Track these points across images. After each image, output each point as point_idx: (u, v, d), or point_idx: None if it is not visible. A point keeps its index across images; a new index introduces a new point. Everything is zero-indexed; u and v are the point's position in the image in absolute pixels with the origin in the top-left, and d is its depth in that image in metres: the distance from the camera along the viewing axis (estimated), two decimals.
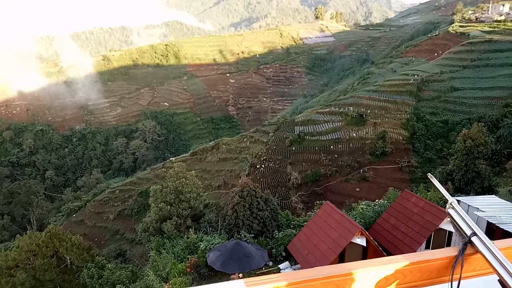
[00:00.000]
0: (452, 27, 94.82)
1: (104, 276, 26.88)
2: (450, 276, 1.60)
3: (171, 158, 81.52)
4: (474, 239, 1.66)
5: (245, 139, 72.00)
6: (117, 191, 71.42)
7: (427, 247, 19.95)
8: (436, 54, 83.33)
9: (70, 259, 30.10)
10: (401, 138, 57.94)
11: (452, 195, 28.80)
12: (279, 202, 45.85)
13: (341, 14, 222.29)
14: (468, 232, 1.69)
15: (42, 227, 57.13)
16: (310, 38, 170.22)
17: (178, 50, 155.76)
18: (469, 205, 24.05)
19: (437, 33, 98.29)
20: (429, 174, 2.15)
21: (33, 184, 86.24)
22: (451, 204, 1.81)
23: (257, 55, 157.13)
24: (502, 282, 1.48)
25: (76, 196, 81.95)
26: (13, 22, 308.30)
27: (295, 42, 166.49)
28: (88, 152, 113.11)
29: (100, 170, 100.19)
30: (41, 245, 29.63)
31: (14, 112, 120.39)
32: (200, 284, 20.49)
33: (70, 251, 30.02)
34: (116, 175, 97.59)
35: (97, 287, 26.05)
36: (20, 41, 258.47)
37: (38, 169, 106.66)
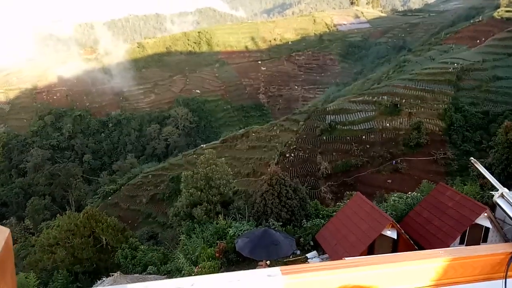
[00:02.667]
0: (498, 12, 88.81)
1: (137, 257, 27.93)
2: (505, 273, 1.55)
3: (202, 145, 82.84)
4: None
5: (275, 128, 71.77)
6: (150, 175, 73.62)
7: (461, 243, 19.23)
8: (478, 41, 78.62)
9: (105, 240, 31.53)
10: (437, 129, 55.59)
11: (490, 189, 27.44)
12: (308, 192, 45.53)
13: None
14: None
15: (80, 208, 60.16)
16: (344, 24, 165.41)
17: (211, 37, 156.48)
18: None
19: (480, 18, 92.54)
20: (472, 158, 2.03)
21: (72, 167, 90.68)
22: (501, 194, 1.70)
23: (290, 42, 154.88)
24: None
25: (111, 179, 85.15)
26: (54, 9, 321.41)
27: (328, 29, 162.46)
28: (123, 137, 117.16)
29: (134, 155, 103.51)
30: (79, 225, 31.25)
31: (54, 97, 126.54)
32: (229, 269, 20.93)
33: (106, 232, 31.48)
34: (149, 160, 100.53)
35: (130, 267, 27.13)
36: (60, 28, 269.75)
37: (77, 153, 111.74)
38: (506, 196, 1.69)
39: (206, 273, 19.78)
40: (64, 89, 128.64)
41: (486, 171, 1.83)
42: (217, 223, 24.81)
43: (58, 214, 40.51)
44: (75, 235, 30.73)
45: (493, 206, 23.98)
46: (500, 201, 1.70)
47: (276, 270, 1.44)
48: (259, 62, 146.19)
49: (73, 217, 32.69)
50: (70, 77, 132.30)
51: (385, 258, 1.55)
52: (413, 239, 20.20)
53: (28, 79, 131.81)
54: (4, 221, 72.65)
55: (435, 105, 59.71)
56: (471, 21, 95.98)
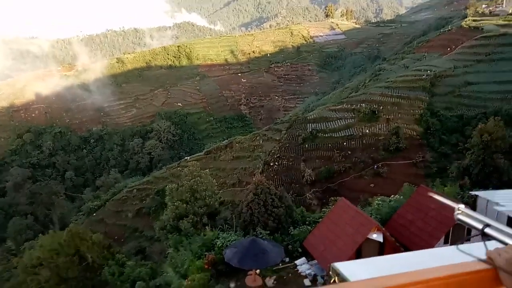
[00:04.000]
0: (465, 21, 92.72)
1: (124, 273, 27.59)
2: None
3: (186, 158, 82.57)
4: (488, 230, 1.63)
5: (258, 138, 72.42)
6: (135, 190, 72.75)
7: (445, 243, 19.93)
8: (449, 49, 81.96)
9: (91, 257, 31.00)
10: (415, 133, 57.42)
11: (470, 190, 28.60)
12: (293, 199, 46.09)
13: (351, 11, 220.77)
14: (480, 226, 1.66)
15: (64, 226, 58.59)
16: (320, 36, 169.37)
17: (190, 51, 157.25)
18: (488, 200, 23.90)
19: (449, 28, 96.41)
20: (429, 193, 2.17)
21: (53, 184, 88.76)
22: (458, 209, 1.79)
23: (268, 54, 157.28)
24: None
25: (95, 195, 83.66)
26: (31, 26, 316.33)
27: (305, 41, 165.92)
28: (105, 152, 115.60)
29: (117, 170, 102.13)
30: (63, 244, 30.54)
31: (33, 115, 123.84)
32: (219, 281, 21.05)
33: (91, 249, 30.92)
34: (133, 175, 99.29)
35: (118, 284, 26.74)
36: (37, 44, 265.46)
37: (58, 170, 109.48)
38: (462, 209, 1.79)
39: (196, 286, 19.81)
40: (43, 106, 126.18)
41: (442, 197, 1.97)
42: (204, 235, 24.83)
43: (40, 234, 39.48)
44: (59, 254, 30.03)
45: (474, 206, 25.08)
46: (461, 217, 1.78)
47: None
48: (239, 74, 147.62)
49: (56, 236, 32.00)
50: (49, 94, 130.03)
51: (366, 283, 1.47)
52: (399, 241, 20.78)
53: (4, 97, 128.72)
54: None
55: (411, 111, 61.72)
56: (441, 30, 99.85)
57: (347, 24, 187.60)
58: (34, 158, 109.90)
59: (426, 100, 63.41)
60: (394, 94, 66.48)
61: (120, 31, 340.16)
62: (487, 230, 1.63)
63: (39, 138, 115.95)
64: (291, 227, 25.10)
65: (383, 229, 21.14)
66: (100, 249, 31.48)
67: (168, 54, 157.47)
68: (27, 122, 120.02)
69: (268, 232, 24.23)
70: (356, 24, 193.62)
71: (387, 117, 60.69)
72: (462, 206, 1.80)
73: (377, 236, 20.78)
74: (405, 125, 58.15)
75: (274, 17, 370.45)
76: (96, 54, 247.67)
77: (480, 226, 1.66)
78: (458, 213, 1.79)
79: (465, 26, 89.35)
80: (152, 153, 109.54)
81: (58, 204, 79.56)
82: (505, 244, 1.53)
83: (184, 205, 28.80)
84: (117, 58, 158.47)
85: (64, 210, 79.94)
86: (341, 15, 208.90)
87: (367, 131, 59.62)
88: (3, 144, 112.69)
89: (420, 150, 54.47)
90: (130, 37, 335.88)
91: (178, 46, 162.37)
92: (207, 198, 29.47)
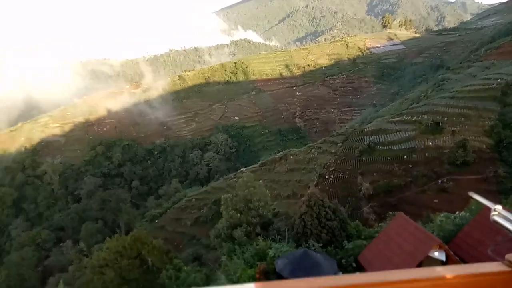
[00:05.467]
0: None
1: (180, 278, 28.72)
2: None
3: (242, 169, 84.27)
4: None
5: (312, 150, 71.74)
6: (194, 199, 75.67)
7: None
8: None
9: (151, 261, 32.80)
10: (484, 146, 52.78)
11: None
12: (349, 213, 44.73)
13: (410, 21, 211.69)
14: None
15: (130, 231, 62.76)
16: (377, 47, 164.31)
17: (246, 67, 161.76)
18: None
19: None
20: (470, 192, 2.13)
21: (121, 192, 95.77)
22: (495, 209, 1.75)
23: (323, 67, 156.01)
24: None
25: (157, 203, 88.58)
26: (102, 48, 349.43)
27: (362, 52, 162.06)
28: (167, 163, 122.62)
29: (178, 180, 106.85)
30: (127, 247, 32.75)
31: (104, 129, 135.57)
32: None
33: (151, 254, 32.75)
34: (193, 185, 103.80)
35: (174, 287, 27.89)
36: (109, 65, 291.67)
37: (126, 179, 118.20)
38: (498, 211, 1.75)
39: None
40: (113, 121, 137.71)
41: (481, 197, 1.92)
42: (257, 245, 25.07)
43: (108, 237, 42.72)
44: (123, 257, 32.19)
45: None
46: (497, 219, 1.73)
47: (251, 286, 1.40)
48: (294, 88, 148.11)
49: (121, 240, 34.36)
50: (119, 110, 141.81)
51: (373, 276, 1.47)
52: (464, 261, 19.26)
53: (80, 113, 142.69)
54: (61, 244, 77.55)
55: (480, 122, 57.01)
56: None
57: (406, 33, 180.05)
58: (105, 168, 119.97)
59: (497, 110, 58.19)
60: (460, 104, 62.03)
61: (181, 50, 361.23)
62: None
63: (109, 150, 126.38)
64: (345, 241, 24.43)
65: (446, 247, 19.77)
66: (160, 254, 33.18)
67: (225, 71, 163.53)
68: (100, 136, 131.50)
69: (321, 245, 23.83)
70: (416, 33, 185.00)
71: (453, 129, 56.68)
72: (499, 207, 1.78)
73: (439, 255, 19.48)
74: (473, 137, 53.83)
75: (329, 31, 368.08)
76: (160, 73, 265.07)
77: None
78: (494, 214, 1.76)
79: None
80: (210, 165, 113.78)
81: (124, 211, 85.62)
82: None
83: (238, 214, 29.44)
84: (178, 76, 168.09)
85: (130, 217, 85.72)
86: (399, 25, 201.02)
87: (430, 143, 56.15)
88: (79, 155, 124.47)
89: (491, 164, 49.87)
90: (190, 55, 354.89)
91: (235, 63, 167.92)
92: (261, 208, 29.84)
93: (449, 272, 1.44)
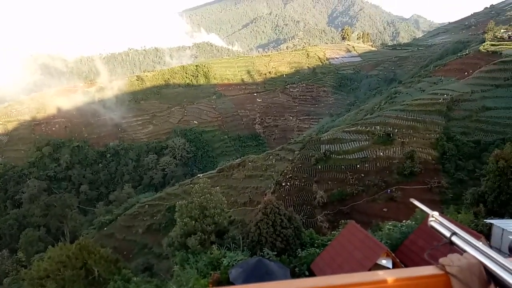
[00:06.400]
0: (483, 46, 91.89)
1: None
2: None
3: (199, 175, 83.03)
4: (454, 238, 1.69)
5: (271, 157, 72.38)
6: (147, 205, 73.20)
7: None
8: (466, 73, 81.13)
9: (97, 271, 31.02)
10: (430, 158, 56.29)
11: (485, 217, 27.61)
12: (304, 221, 45.43)
13: (368, 34, 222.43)
14: (448, 234, 1.72)
15: (75, 239, 59.20)
16: (336, 58, 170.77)
17: (208, 71, 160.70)
18: (503, 229, 23.06)
19: (467, 52, 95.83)
20: (411, 199, 2.17)
21: (68, 197, 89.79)
22: (432, 216, 1.83)
23: (284, 75, 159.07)
24: (488, 271, 1.50)
25: (108, 209, 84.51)
26: (58, 43, 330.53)
27: (321, 62, 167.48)
28: (120, 167, 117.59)
29: (131, 185, 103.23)
30: (71, 257, 30.68)
31: (53, 129, 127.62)
32: None
33: (98, 263, 30.98)
34: (146, 190, 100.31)
35: None
36: (61, 60, 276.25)
37: (74, 183, 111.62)
38: (437, 218, 1.82)
39: None
40: (63, 121, 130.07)
41: (421, 204, 1.98)
42: (211, 253, 24.64)
43: (50, 246, 39.91)
44: (67, 267, 30.15)
45: (488, 235, 24.16)
46: (434, 224, 1.81)
47: None
48: (255, 94, 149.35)
49: (65, 249, 32.19)
50: (70, 109, 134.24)
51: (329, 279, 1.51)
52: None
53: (27, 111, 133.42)
54: None
55: (427, 135, 60.80)
56: (459, 54, 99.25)
57: (363, 46, 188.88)
58: (51, 170, 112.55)
59: (443, 124, 62.46)
60: (410, 117, 65.81)
61: (141, 50, 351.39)
62: (453, 238, 1.68)
63: (57, 151, 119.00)
64: (299, 249, 24.67)
65: (393, 255, 20.59)
66: (108, 264, 31.51)
67: (186, 73, 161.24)
68: (47, 136, 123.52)
69: (275, 253, 23.87)
70: (372, 47, 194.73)
71: (402, 140, 59.89)
72: (436, 213, 1.84)
73: (386, 262, 20.25)
74: (420, 149, 57.21)
75: (291, 39, 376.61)
76: (117, 72, 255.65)
77: (448, 234, 1.71)
78: (431, 220, 1.82)
79: (483, 50, 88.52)
80: (166, 170, 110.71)
81: (70, 217, 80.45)
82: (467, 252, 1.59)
83: (193, 222, 28.70)
84: (137, 76, 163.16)
85: (76, 224, 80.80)
86: (357, 38, 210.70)
87: (381, 154, 58.84)
88: (23, 156, 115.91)
89: (436, 175, 53.24)
90: (150, 56, 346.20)
91: (197, 66, 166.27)
92: (216, 215, 29.33)
93: (389, 275, 1.52)
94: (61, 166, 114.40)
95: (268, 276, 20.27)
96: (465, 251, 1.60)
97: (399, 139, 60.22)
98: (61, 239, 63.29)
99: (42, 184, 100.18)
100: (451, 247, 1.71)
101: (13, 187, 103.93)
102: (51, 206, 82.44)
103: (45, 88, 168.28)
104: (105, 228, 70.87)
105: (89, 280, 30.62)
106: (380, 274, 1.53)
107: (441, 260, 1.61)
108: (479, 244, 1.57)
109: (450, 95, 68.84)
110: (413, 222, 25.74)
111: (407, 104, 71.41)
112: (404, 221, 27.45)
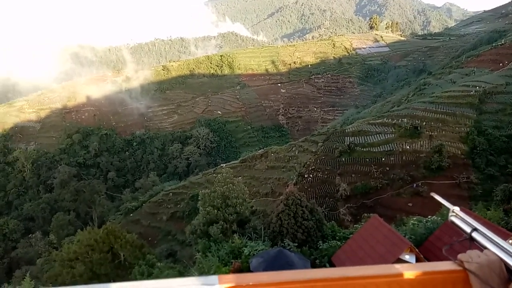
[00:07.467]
0: None
1: (153, 274, 28.22)
2: None
3: (222, 164, 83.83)
4: (474, 234, 1.65)
5: (293, 148, 72.02)
6: (171, 193, 74.69)
7: None
8: (501, 64, 77.20)
9: (123, 255, 32.08)
10: (459, 152, 54.27)
11: None
12: (326, 213, 45.18)
13: (397, 24, 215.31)
14: (469, 230, 1.69)
15: (103, 224, 61.38)
16: (363, 48, 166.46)
17: (232, 61, 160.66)
18: None
19: (503, 42, 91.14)
20: (432, 193, 2.13)
21: (96, 183, 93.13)
22: (453, 211, 1.80)
23: (309, 65, 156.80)
24: (509, 269, 1.48)
25: (134, 196, 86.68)
26: (88, 34, 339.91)
27: (348, 53, 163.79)
28: (146, 156, 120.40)
29: (156, 173, 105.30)
30: (99, 241, 31.83)
31: (83, 117, 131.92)
32: None
33: (124, 248, 32.00)
34: (171, 179, 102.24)
35: None
36: (91, 50, 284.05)
37: (102, 170, 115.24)
38: (456, 212, 1.79)
39: None
40: (92, 109, 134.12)
41: (442, 199, 1.93)
42: (232, 242, 24.94)
43: (79, 229, 41.66)
44: (94, 250, 31.32)
45: None
46: (454, 219, 1.78)
47: (214, 278, 1.36)
48: (279, 84, 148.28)
49: (93, 233, 33.44)
50: (99, 98, 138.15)
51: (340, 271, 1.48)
52: None
53: (58, 99, 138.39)
54: (29, 236, 75.03)
55: (456, 128, 58.57)
56: (493, 44, 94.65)
57: (392, 36, 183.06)
58: (80, 157, 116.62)
59: (474, 117, 59.92)
60: (439, 110, 63.53)
61: (167, 40, 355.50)
62: (474, 234, 1.65)
63: (86, 139, 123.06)
64: (320, 241, 24.56)
65: (417, 250, 20.15)
66: (133, 249, 32.50)
67: (211, 63, 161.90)
68: (77, 123, 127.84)
69: (296, 244, 23.88)
70: (401, 36, 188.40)
71: (430, 133, 57.99)
72: (457, 208, 1.80)
73: (409, 258, 19.85)
74: (449, 143, 55.23)
75: (317, 28, 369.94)
76: (143, 61, 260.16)
77: (469, 230, 1.68)
78: (451, 215, 1.80)
79: None
80: (189, 159, 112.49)
81: (98, 203, 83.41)
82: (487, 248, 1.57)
83: (215, 211, 29.11)
84: (162, 66, 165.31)
85: (104, 209, 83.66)
86: (386, 27, 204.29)
87: (408, 147, 57.28)
88: (54, 143, 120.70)
89: (465, 170, 51.35)
90: (176, 46, 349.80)
91: (221, 56, 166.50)
92: (238, 205, 29.61)
93: (405, 269, 1.50)
94: (90, 153, 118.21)
95: (288, 266, 20.31)
96: (485, 247, 1.58)
97: (427, 132, 58.34)
98: (90, 224, 65.84)
99: (72, 170, 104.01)
100: (471, 243, 1.66)
101: (46, 173, 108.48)
102: (80, 192, 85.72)
103: (76, 77, 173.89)
104: (131, 214, 72.96)
105: (115, 263, 31.74)
106: (396, 268, 1.51)
107: (459, 256, 1.58)
108: (500, 240, 1.55)
109: (483, 87, 65.84)
110: (439, 218, 25.02)
111: (436, 96, 68.95)
112: (429, 216, 26.76)
